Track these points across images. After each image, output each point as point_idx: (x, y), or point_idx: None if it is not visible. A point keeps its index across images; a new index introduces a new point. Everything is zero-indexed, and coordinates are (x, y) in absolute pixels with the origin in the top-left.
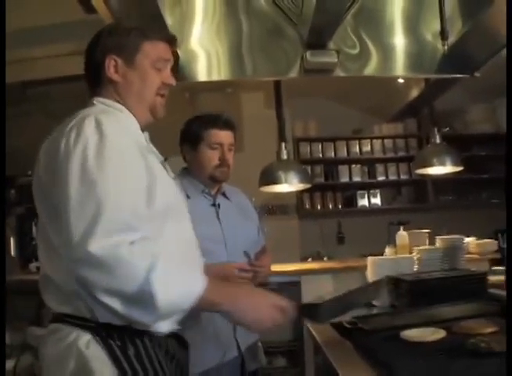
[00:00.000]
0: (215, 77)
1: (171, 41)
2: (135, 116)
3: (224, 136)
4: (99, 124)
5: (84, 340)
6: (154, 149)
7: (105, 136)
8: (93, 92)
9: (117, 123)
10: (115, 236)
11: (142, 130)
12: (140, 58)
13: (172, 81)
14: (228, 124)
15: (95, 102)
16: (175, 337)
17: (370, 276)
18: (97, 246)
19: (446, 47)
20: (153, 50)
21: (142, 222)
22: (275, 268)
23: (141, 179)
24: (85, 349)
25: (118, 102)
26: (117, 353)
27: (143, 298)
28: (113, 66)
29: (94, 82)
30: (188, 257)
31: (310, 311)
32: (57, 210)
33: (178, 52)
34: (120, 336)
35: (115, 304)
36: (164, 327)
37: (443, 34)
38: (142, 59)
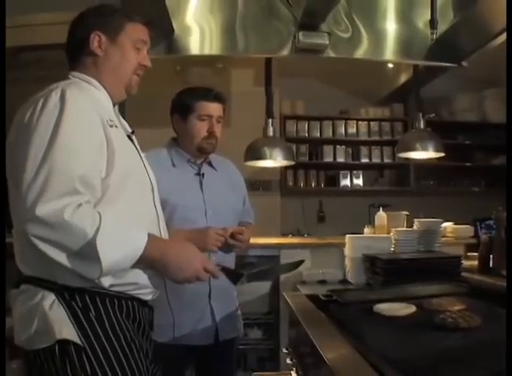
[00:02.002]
0: (207, 52)
1: (149, 25)
2: (109, 91)
3: (213, 108)
4: (62, 97)
5: (49, 301)
6: (123, 122)
7: (65, 109)
8: (72, 67)
9: (82, 96)
10: (62, 200)
11: (114, 104)
12: (123, 37)
13: (148, 63)
14: (218, 97)
15: (70, 76)
16: (136, 299)
17: (348, 253)
18: (45, 210)
19: (435, 36)
20: (134, 31)
21: (91, 190)
22: (255, 241)
23: (96, 150)
24: (48, 310)
25: (94, 77)
26: (79, 315)
27: (88, 255)
28: (97, 41)
29: (74, 57)
30: (140, 222)
31: (232, 276)
32: (17, 175)
33: (174, 25)
34: (82, 298)
35: (62, 259)
36: (107, 282)
37: (432, 23)
38: (125, 38)
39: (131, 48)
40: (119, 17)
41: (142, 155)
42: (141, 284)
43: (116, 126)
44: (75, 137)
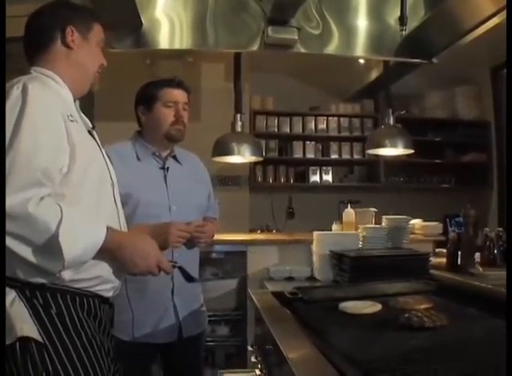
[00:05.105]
0: (177, 46)
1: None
2: (71, 86)
3: (178, 94)
4: (24, 91)
5: (10, 297)
6: (84, 117)
7: (27, 103)
8: (32, 60)
9: (43, 90)
10: (25, 193)
11: (75, 99)
12: (92, 35)
13: (105, 62)
14: (181, 85)
15: (32, 71)
16: (98, 296)
17: (315, 250)
18: (8, 202)
19: (404, 32)
20: (99, 31)
21: (53, 182)
22: (223, 237)
23: (57, 144)
24: (9, 307)
25: (57, 72)
26: (40, 312)
27: (51, 249)
28: (70, 36)
29: (38, 50)
30: (100, 217)
31: (187, 275)
32: None
33: (143, 19)
34: (43, 295)
35: (25, 253)
36: (67, 275)
37: (402, 20)
38: (93, 36)
39: (96, 47)
40: (89, 15)
41: (103, 151)
42: (104, 278)
43: (76, 121)
44: (37, 130)
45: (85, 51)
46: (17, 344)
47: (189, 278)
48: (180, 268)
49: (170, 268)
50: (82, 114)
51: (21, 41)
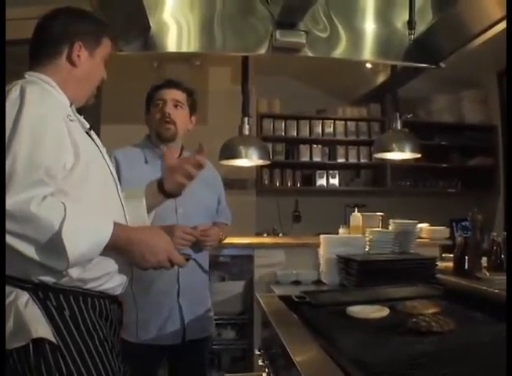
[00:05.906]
0: (184, 49)
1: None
2: (68, 96)
3: (166, 93)
4: (22, 92)
5: (23, 300)
6: (81, 118)
7: (25, 103)
8: (33, 65)
9: (42, 92)
10: (27, 192)
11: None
12: (99, 51)
13: (105, 75)
14: (174, 84)
15: (26, 75)
16: (109, 297)
17: (322, 253)
18: (10, 202)
19: (413, 36)
20: (107, 46)
21: (55, 180)
22: (229, 240)
23: (59, 142)
24: (23, 309)
25: (56, 80)
26: (53, 314)
27: (55, 248)
28: (77, 51)
29: (41, 58)
30: (105, 212)
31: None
32: None
33: (151, 22)
34: (56, 297)
35: (30, 252)
36: (75, 273)
37: (410, 24)
38: (100, 52)
39: (101, 62)
40: (101, 29)
41: (103, 151)
42: (112, 274)
43: (75, 121)
44: (37, 129)
45: (89, 67)
46: (30, 346)
47: (203, 271)
48: (195, 260)
49: (182, 260)
50: (78, 115)
51: (25, 44)
